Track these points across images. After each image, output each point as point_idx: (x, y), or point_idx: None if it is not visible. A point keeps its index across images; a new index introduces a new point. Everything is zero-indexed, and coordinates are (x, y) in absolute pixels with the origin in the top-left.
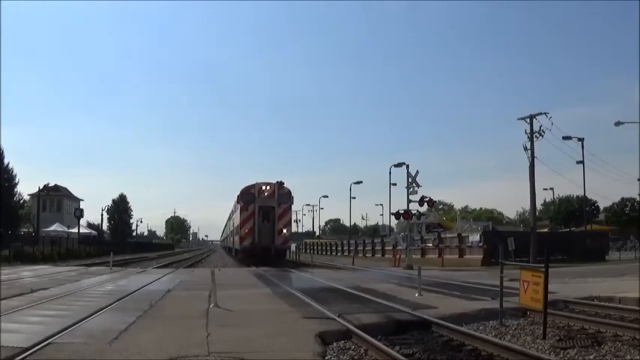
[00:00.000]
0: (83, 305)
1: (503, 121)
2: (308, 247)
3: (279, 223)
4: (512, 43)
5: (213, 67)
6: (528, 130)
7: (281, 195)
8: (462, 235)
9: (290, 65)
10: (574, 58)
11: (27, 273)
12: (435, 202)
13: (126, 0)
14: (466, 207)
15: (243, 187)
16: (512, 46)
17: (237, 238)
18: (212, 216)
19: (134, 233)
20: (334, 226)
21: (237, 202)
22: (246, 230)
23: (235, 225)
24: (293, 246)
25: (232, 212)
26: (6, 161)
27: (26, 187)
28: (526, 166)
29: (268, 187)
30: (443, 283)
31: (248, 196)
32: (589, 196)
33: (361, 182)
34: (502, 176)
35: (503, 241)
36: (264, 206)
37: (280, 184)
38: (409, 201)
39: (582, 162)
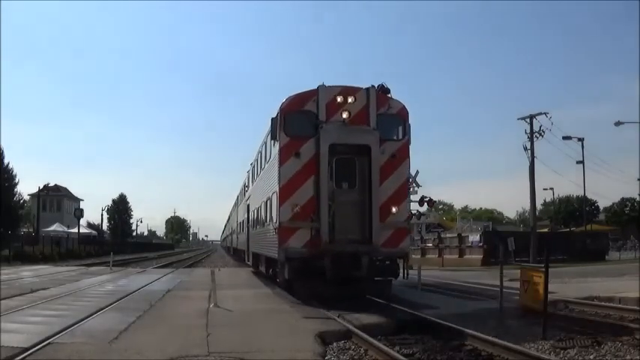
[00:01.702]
0: (83, 305)
1: (503, 121)
2: None
3: (385, 189)
4: (513, 43)
5: (214, 68)
6: (528, 130)
7: (386, 117)
8: (462, 235)
9: (290, 65)
10: (574, 57)
11: (27, 273)
12: (435, 202)
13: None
14: (466, 207)
15: (286, 98)
16: (513, 46)
17: (264, 230)
18: (212, 216)
19: (134, 233)
20: None
21: (273, 135)
22: (295, 209)
23: (263, 200)
24: None
25: (251, 175)
26: (6, 161)
27: (26, 187)
28: (526, 166)
29: (352, 99)
30: (443, 283)
31: (301, 119)
32: (589, 196)
33: None
34: (502, 176)
35: (503, 241)
36: (343, 145)
37: (382, 90)
38: (409, 201)
39: (582, 162)
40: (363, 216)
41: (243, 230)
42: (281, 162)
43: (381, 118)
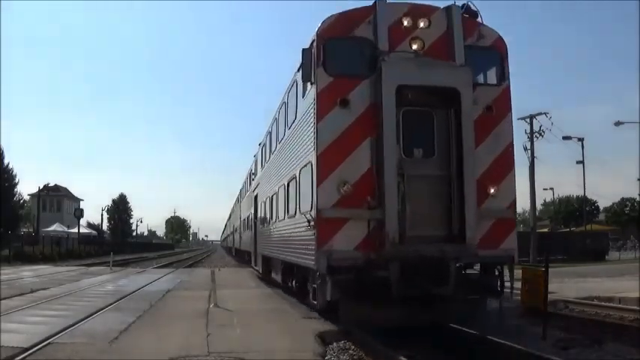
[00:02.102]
0: (83, 305)
1: None
2: None
3: (479, 158)
4: (512, 43)
5: (214, 69)
6: (528, 130)
7: (475, 51)
8: None
9: (290, 66)
10: (574, 57)
11: (27, 273)
12: None
13: (132, 0)
14: None
15: (323, 21)
16: (513, 46)
17: (285, 224)
18: (212, 216)
19: (134, 233)
20: None
21: (306, 75)
22: (343, 188)
23: (282, 182)
24: None
25: (260, 158)
26: (6, 161)
27: (26, 187)
28: (526, 166)
29: (426, 23)
30: None
31: (350, 50)
32: (589, 196)
33: None
34: None
35: None
36: (417, 89)
37: (468, 12)
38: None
39: (582, 162)
40: (447, 200)
41: (248, 228)
42: (320, 115)
43: (469, 51)
